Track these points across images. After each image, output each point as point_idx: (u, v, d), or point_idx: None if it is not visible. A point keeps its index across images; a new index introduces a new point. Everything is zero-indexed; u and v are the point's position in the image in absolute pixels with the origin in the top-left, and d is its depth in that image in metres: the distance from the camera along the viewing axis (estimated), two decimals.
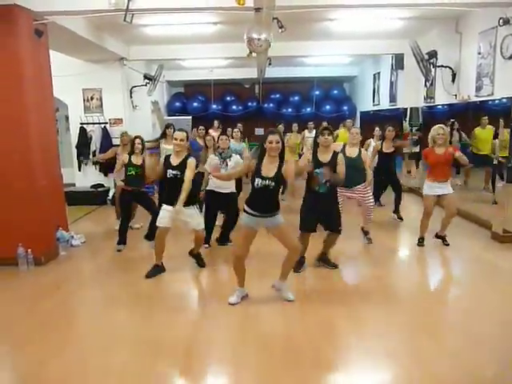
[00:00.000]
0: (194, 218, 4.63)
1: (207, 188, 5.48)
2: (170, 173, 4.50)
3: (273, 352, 3.21)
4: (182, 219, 4.55)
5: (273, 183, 3.67)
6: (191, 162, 4.54)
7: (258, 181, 3.69)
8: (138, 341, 3.43)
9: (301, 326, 3.68)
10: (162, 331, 3.56)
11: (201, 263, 4.95)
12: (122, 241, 5.71)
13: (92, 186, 8.99)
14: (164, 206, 4.59)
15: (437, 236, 5.52)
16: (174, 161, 4.53)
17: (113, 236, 6.37)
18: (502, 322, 3.61)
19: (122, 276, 4.86)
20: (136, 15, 5.48)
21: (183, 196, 4.38)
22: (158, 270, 4.72)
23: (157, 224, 4.63)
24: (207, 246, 5.56)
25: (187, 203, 4.47)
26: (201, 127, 7.51)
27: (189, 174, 4.48)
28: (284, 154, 3.77)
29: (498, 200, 6.64)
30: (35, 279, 4.81)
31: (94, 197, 8.76)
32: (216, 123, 9.29)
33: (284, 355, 3.17)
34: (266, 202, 3.78)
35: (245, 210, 3.83)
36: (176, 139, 4.50)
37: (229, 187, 5.42)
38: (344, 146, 5.41)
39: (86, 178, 9.24)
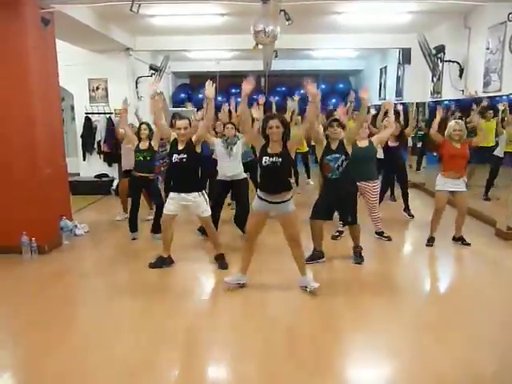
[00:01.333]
0: (199, 203, 4.49)
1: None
2: (176, 157, 4.40)
3: (275, 343, 3.22)
4: (186, 203, 4.48)
5: (280, 159, 3.72)
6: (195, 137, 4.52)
7: (265, 159, 3.74)
8: (141, 330, 3.46)
9: (304, 318, 3.69)
10: (165, 320, 3.58)
11: (221, 264, 4.65)
12: (134, 228, 5.71)
13: (96, 176, 9.02)
14: (171, 195, 4.55)
15: (454, 239, 5.36)
16: (179, 145, 4.45)
17: (116, 226, 6.44)
18: (503, 321, 3.59)
19: (126, 266, 4.87)
20: (143, 5, 5.45)
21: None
22: (162, 261, 4.66)
23: (163, 211, 4.63)
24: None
25: (192, 188, 4.46)
26: None
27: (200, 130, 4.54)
28: (288, 137, 3.81)
29: (495, 196, 6.67)
30: (39, 267, 4.84)
31: (99, 187, 8.78)
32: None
33: (286, 348, 3.18)
34: (275, 180, 3.82)
35: (257, 195, 3.89)
36: (180, 129, 4.40)
37: (237, 174, 5.41)
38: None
39: (90, 167, 9.25)
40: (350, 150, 4.51)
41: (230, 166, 5.36)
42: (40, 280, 4.51)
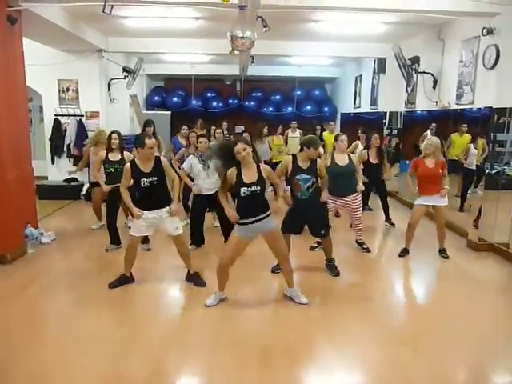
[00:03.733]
0: (171, 220, 4.25)
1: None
2: (145, 181, 4.11)
3: (248, 357, 3.14)
4: (158, 222, 4.24)
5: (258, 187, 3.68)
6: (165, 161, 4.29)
7: (243, 190, 3.65)
8: (109, 345, 3.30)
9: (277, 330, 3.61)
10: (136, 336, 3.44)
11: (199, 283, 4.40)
12: (115, 241, 5.48)
13: (65, 180, 8.70)
14: (142, 215, 4.20)
15: (440, 252, 5.41)
16: (145, 167, 4.15)
17: (86, 234, 6.23)
18: (474, 331, 3.63)
19: (95, 277, 4.64)
20: (116, 6, 5.28)
21: (176, 199, 4.28)
22: (124, 280, 4.41)
23: (131, 233, 4.34)
24: (193, 247, 5.42)
25: (164, 205, 4.21)
26: (184, 127, 7.46)
27: (172, 174, 4.35)
28: (256, 156, 3.86)
29: (469, 207, 6.75)
30: (1, 278, 4.58)
31: (67, 191, 8.49)
32: (199, 123, 9.12)
33: (259, 360, 3.11)
34: (255, 206, 3.75)
35: (237, 222, 3.77)
36: (151, 148, 4.10)
37: (214, 188, 5.24)
38: (332, 155, 5.30)
39: (59, 171, 8.93)
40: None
41: (208, 183, 5.24)
42: (3, 292, 4.26)
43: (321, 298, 4.24)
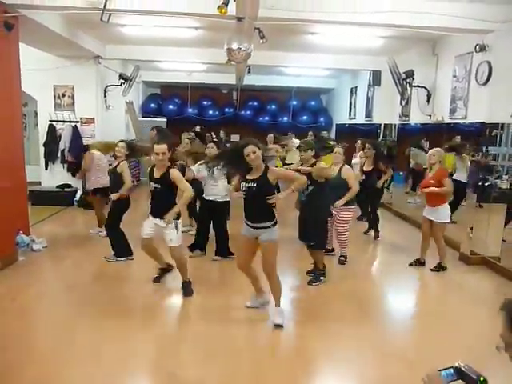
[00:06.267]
0: (168, 231, 4.25)
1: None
2: (152, 185, 4.28)
3: (241, 370, 3.10)
4: (157, 229, 4.35)
5: (255, 184, 3.61)
6: (175, 173, 4.22)
7: (242, 184, 3.69)
8: (101, 359, 3.25)
9: (271, 346, 3.58)
10: (128, 347, 3.40)
11: (187, 292, 4.40)
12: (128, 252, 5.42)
13: (58, 186, 8.66)
14: (149, 217, 4.39)
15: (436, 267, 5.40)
16: (156, 173, 4.27)
17: (78, 241, 6.18)
18: (469, 348, 3.60)
19: (86, 286, 4.60)
20: (114, 14, 5.30)
21: (177, 209, 4.22)
22: (163, 271, 4.70)
23: (142, 234, 4.44)
24: (191, 253, 5.48)
25: (164, 215, 4.21)
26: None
27: (182, 186, 4.24)
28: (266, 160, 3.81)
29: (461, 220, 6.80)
30: None
31: (61, 197, 8.43)
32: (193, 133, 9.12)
33: (252, 376, 3.07)
34: (252, 206, 3.70)
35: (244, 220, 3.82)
36: (158, 154, 4.14)
37: (217, 195, 5.30)
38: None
39: (52, 177, 8.88)
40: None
41: (212, 188, 5.29)
42: None
43: (314, 311, 4.19)
